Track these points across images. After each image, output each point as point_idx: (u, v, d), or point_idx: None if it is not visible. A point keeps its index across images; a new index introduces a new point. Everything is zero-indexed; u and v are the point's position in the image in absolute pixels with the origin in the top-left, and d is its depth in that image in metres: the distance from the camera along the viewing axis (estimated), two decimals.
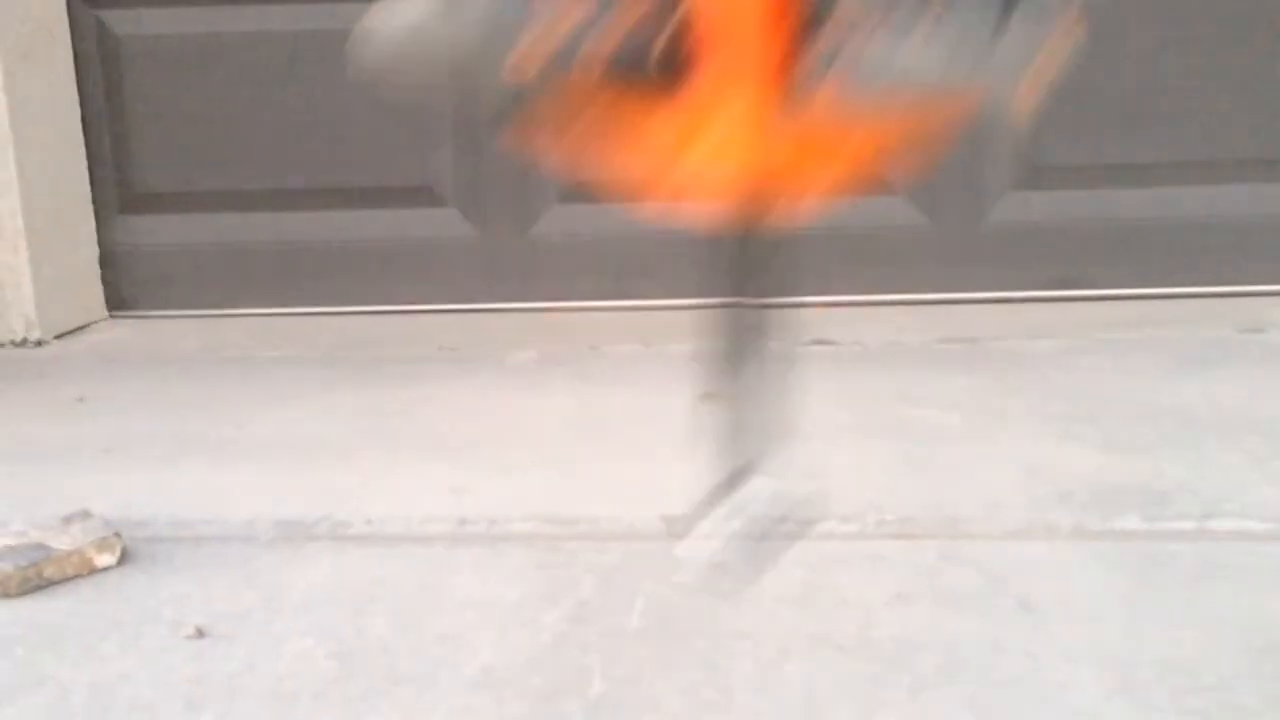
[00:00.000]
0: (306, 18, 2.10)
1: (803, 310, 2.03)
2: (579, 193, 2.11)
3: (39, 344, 2.01)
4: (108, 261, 2.17)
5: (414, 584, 1.08)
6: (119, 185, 2.16)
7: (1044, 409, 1.50)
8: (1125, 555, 1.06)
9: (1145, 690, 0.85)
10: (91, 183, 2.15)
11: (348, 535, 1.19)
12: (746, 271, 0.72)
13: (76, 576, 1.10)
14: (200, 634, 0.99)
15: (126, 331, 2.10)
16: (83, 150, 2.14)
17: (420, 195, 2.13)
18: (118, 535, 1.13)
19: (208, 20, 2.12)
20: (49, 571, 1.08)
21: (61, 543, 1.10)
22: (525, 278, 2.14)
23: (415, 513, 1.24)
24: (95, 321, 2.15)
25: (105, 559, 1.11)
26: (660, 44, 0.68)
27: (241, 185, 2.15)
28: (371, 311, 2.13)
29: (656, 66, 0.70)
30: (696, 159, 0.69)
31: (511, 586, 1.07)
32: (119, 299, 2.18)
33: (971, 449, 1.38)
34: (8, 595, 1.06)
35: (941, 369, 1.72)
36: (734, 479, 0.79)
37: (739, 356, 0.72)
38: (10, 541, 1.10)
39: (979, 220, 2.08)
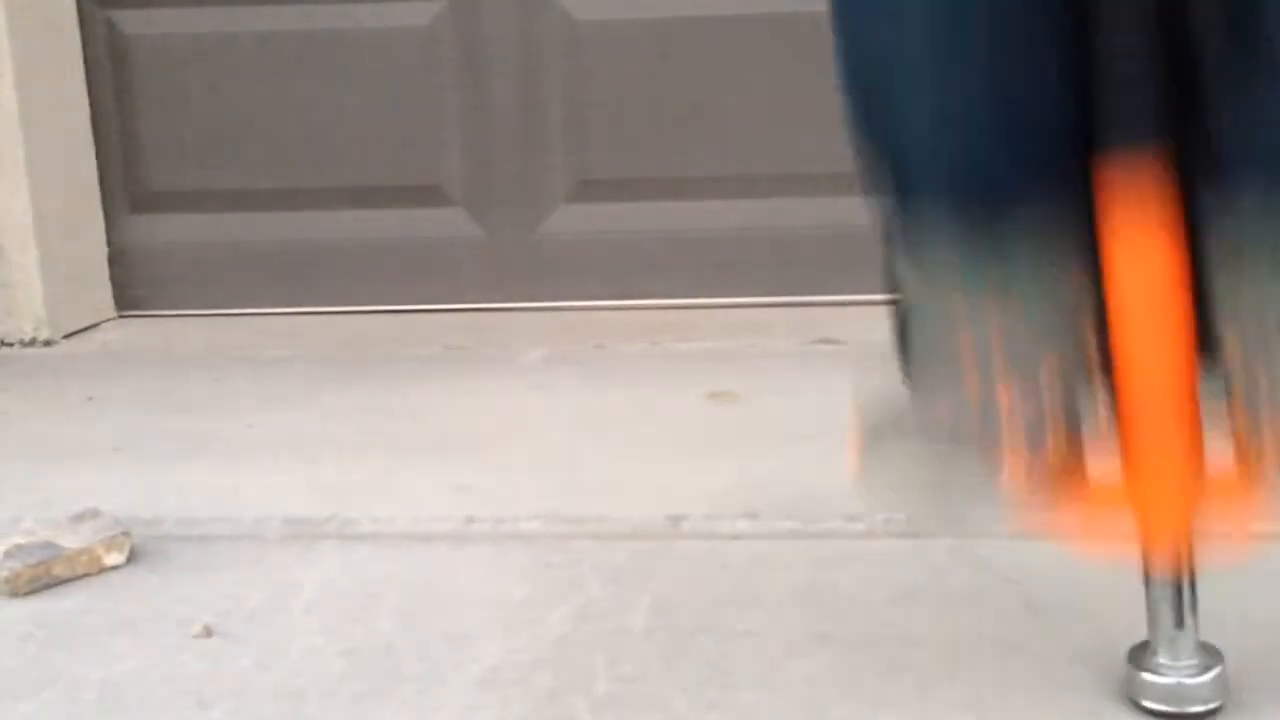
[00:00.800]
0: (317, 18, 2.11)
1: (810, 309, 2.03)
2: (587, 192, 2.12)
3: (48, 343, 2.02)
4: (117, 261, 2.18)
5: (421, 582, 1.09)
6: (128, 185, 2.17)
7: None
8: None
9: None
10: (101, 182, 2.16)
11: (355, 534, 1.20)
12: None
13: (86, 575, 1.10)
14: (209, 632, 0.99)
15: (136, 331, 2.11)
16: (92, 150, 2.15)
17: (428, 195, 2.14)
18: (127, 534, 1.14)
19: (218, 20, 2.13)
20: (58, 570, 1.09)
21: (71, 541, 1.11)
22: (533, 277, 2.14)
23: (422, 511, 1.24)
24: (104, 321, 2.16)
25: (114, 557, 1.12)
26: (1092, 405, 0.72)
27: (251, 185, 2.16)
28: (379, 311, 2.14)
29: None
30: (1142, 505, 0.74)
31: (517, 585, 1.08)
32: (128, 298, 2.19)
33: None
34: (17, 593, 1.07)
35: None
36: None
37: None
38: (20, 540, 1.11)
39: None
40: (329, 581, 1.09)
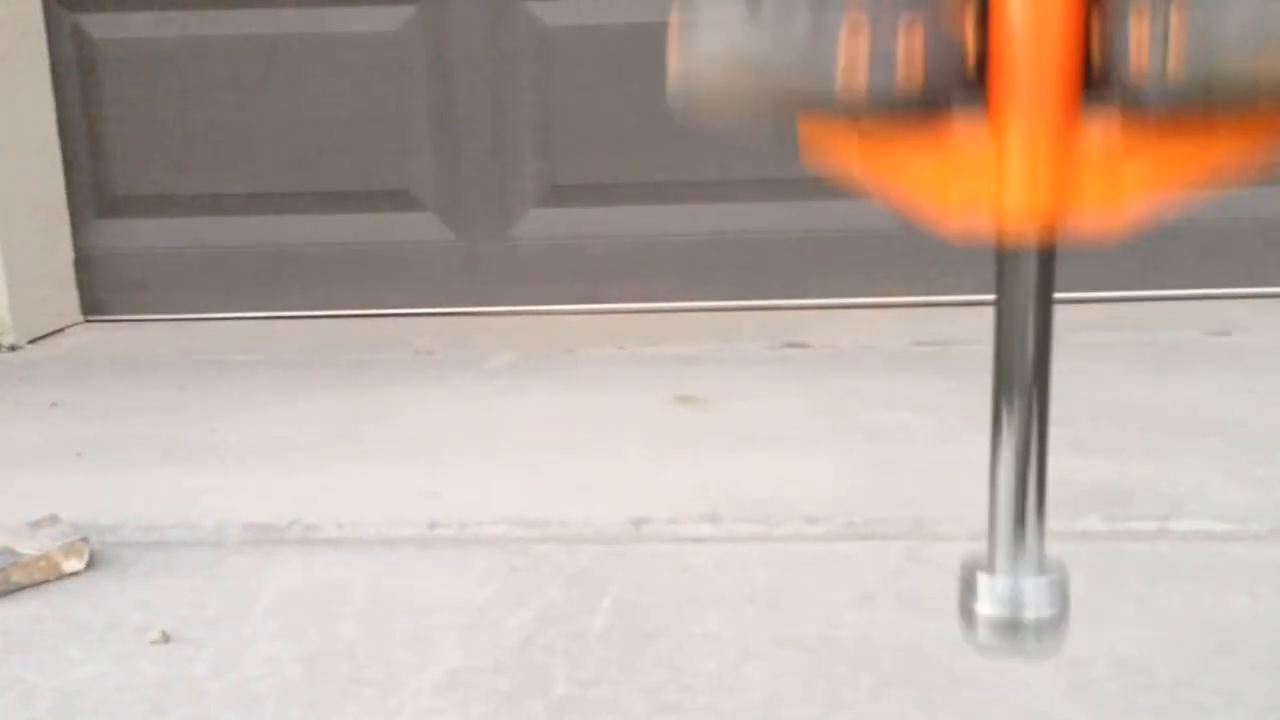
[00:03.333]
0: (284, 22, 2.10)
1: (777, 313, 2.04)
2: (556, 197, 2.12)
3: (13, 349, 2.01)
4: (83, 265, 2.17)
5: (383, 587, 1.09)
6: (95, 189, 2.16)
7: None
8: (1087, 555, 1.08)
9: (1100, 688, 0.86)
10: (67, 187, 2.15)
11: (318, 539, 1.20)
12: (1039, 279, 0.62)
13: (44, 581, 1.10)
14: (166, 638, 0.99)
15: (101, 336, 2.10)
16: (59, 154, 2.14)
17: (398, 199, 2.14)
18: (86, 540, 1.13)
19: (185, 24, 2.12)
20: (16, 576, 1.08)
21: (29, 548, 1.10)
22: (502, 281, 2.14)
23: (386, 516, 1.24)
24: (70, 326, 2.15)
25: (73, 564, 1.11)
26: (967, 57, 0.61)
27: (218, 189, 2.15)
28: (348, 315, 2.13)
29: (964, 84, 0.61)
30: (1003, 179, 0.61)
31: (480, 589, 1.08)
32: (94, 303, 2.18)
33: (941, 451, 1.39)
34: None
35: (914, 372, 1.73)
36: None
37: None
38: None
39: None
40: (289, 587, 1.09)
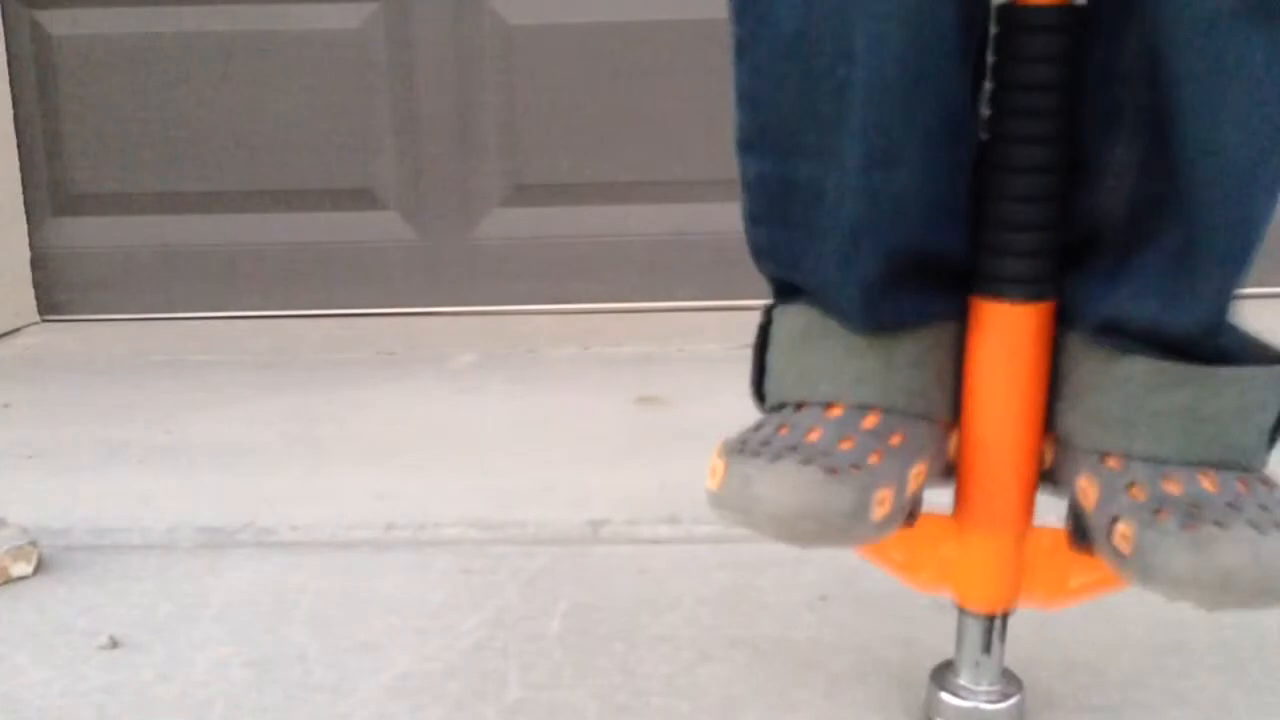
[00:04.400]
0: (244, 18, 2.08)
1: (741, 313, 2.04)
2: (520, 196, 2.11)
3: None
4: (40, 264, 2.14)
5: (337, 590, 1.08)
6: (52, 187, 2.14)
7: None
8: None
9: (1051, 688, 0.87)
10: (24, 184, 2.12)
11: (272, 542, 1.18)
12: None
13: None
14: (114, 644, 0.98)
15: (57, 336, 2.08)
16: (15, 152, 2.11)
17: (360, 198, 2.12)
18: (34, 544, 1.11)
19: (144, 21, 2.09)
20: None
21: None
22: (465, 281, 2.13)
23: (342, 518, 1.23)
24: (26, 325, 2.12)
25: (20, 568, 1.10)
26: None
27: (177, 187, 2.13)
28: (309, 315, 2.11)
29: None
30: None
31: (435, 592, 1.07)
32: (51, 302, 2.15)
33: None
34: None
35: None
36: None
37: None
38: None
39: None
40: (241, 591, 1.07)
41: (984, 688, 0.79)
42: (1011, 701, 0.79)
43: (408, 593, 1.07)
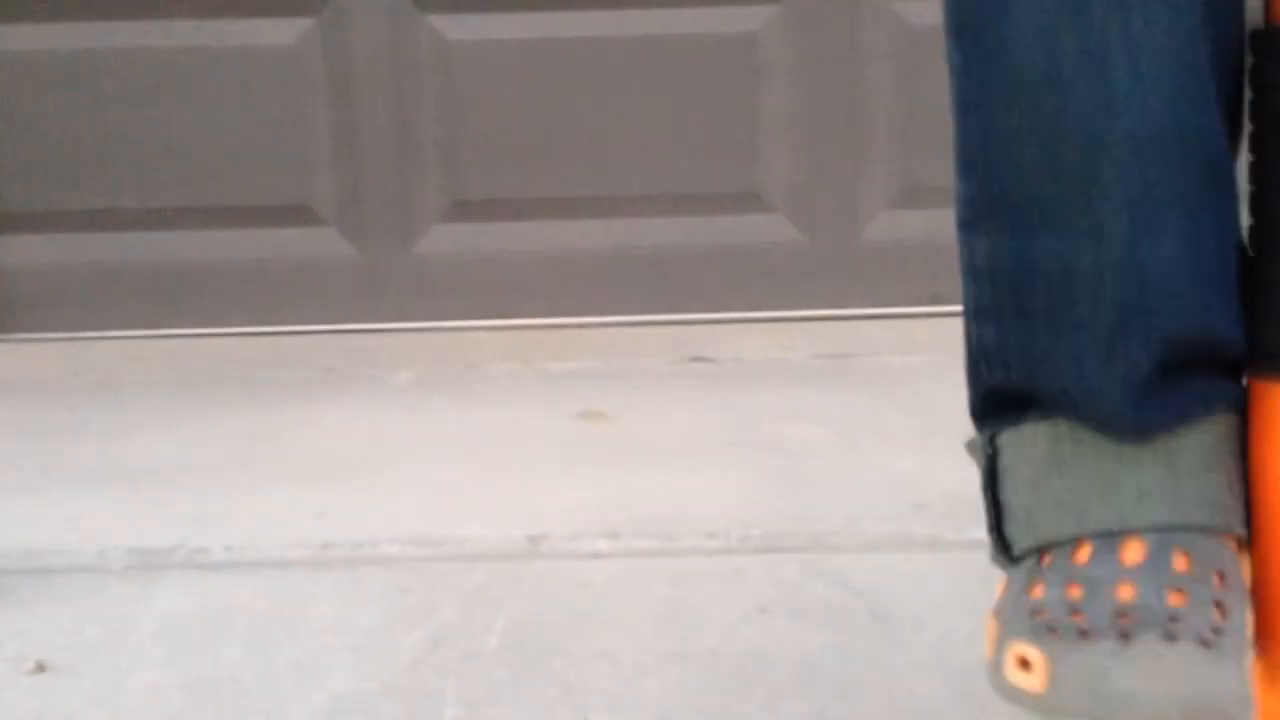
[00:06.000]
0: (179, 34, 2.06)
1: (683, 327, 2.04)
2: (460, 212, 2.10)
3: None
4: None
5: (271, 611, 1.06)
6: None
7: (913, 423, 1.53)
8: (977, 565, 1.09)
9: (986, 696, 0.87)
10: None
11: (205, 563, 1.16)
12: None
13: None
14: (41, 668, 0.95)
15: None
16: None
17: (298, 214, 2.10)
18: None
19: (78, 36, 2.06)
20: None
21: None
22: (406, 297, 2.12)
23: (278, 538, 1.22)
24: None
25: None
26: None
27: (112, 204, 2.10)
28: (246, 333, 2.09)
29: None
30: None
31: (371, 611, 1.06)
32: None
33: (840, 464, 1.40)
34: None
35: (817, 385, 1.74)
36: None
37: None
38: None
39: (854, 237, 2.12)
40: (173, 613, 1.06)
41: None
42: None
43: (344, 612, 1.06)
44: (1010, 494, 0.64)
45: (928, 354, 1.85)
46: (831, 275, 2.12)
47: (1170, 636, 0.52)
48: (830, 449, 1.46)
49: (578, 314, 2.10)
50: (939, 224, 2.14)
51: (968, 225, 0.63)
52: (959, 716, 0.85)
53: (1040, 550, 0.61)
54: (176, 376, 1.87)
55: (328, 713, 0.89)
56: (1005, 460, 0.64)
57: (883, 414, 1.60)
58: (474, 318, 2.10)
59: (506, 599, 1.07)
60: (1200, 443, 0.61)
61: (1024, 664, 0.54)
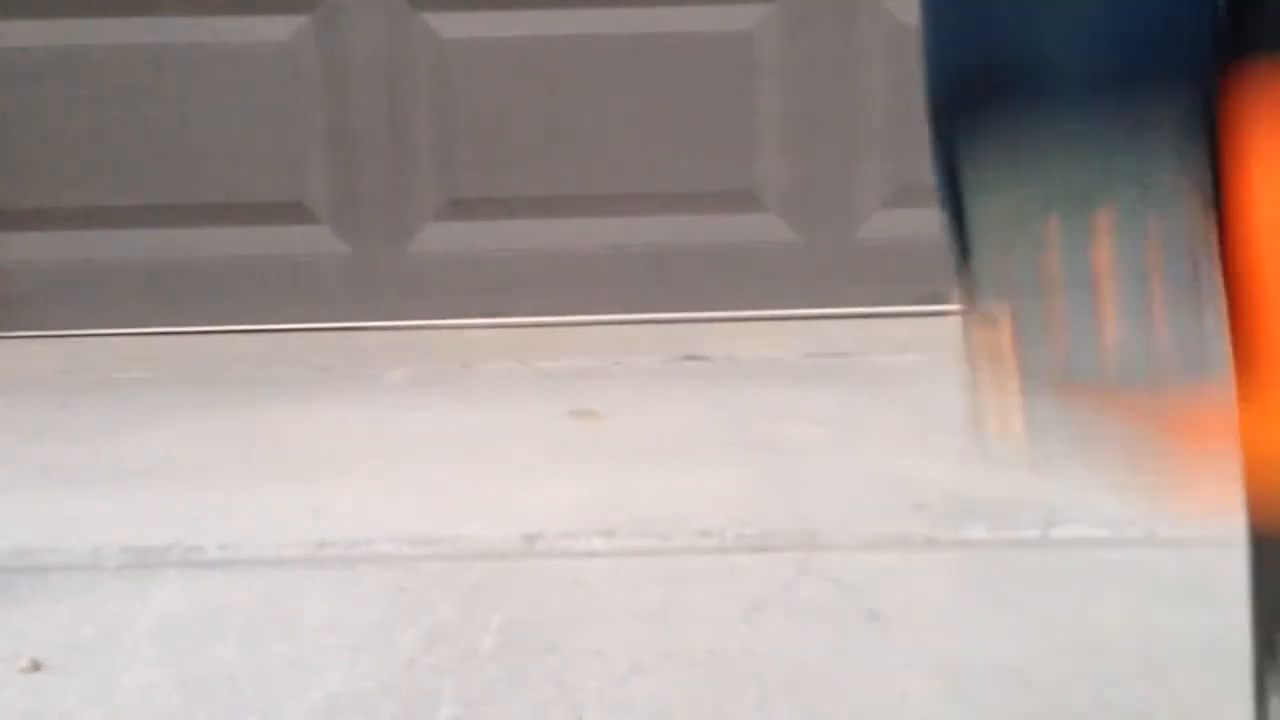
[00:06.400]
0: (173, 31, 2.05)
1: (677, 326, 2.05)
2: (454, 210, 2.10)
3: None
4: None
5: (267, 609, 1.06)
6: None
7: (907, 422, 1.54)
8: (972, 564, 1.09)
9: (977, 695, 0.88)
10: None
11: (200, 561, 1.16)
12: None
13: None
14: (37, 666, 0.96)
15: None
16: None
17: (292, 212, 2.10)
18: None
19: (70, 33, 2.06)
20: None
21: None
22: (400, 295, 2.11)
23: (273, 536, 1.22)
24: None
25: None
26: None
27: (106, 202, 2.09)
28: (242, 331, 2.09)
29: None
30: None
31: (367, 609, 1.06)
32: None
33: (835, 463, 1.40)
34: None
35: (811, 384, 1.74)
36: None
37: None
38: None
39: (849, 237, 2.13)
40: (168, 611, 1.06)
41: None
42: None
43: (339, 610, 1.06)
44: (974, 211, 0.59)
45: (922, 353, 1.85)
46: (826, 274, 2.12)
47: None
48: (824, 448, 1.46)
49: (572, 312, 2.10)
50: (934, 223, 2.15)
51: None
52: (952, 715, 0.85)
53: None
54: (171, 374, 1.86)
55: (324, 711, 0.89)
56: (973, 218, 0.60)
57: (877, 413, 1.60)
58: (468, 316, 2.10)
59: (502, 598, 1.07)
60: (1171, 109, 0.57)
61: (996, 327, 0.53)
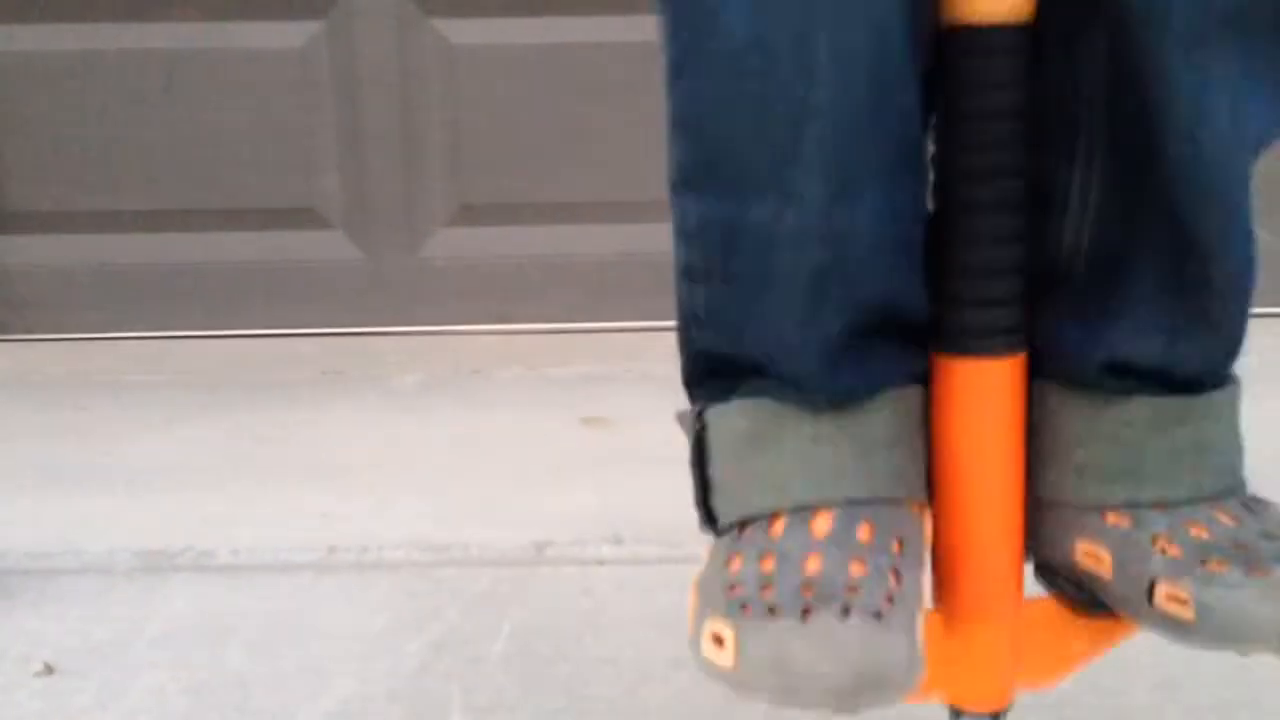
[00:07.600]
0: (186, 36, 2.06)
1: None
2: (466, 216, 2.11)
3: None
4: None
5: (277, 614, 1.07)
6: None
7: None
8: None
9: None
10: None
11: (212, 565, 1.17)
12: None
13: None
14: (49, 670, 0.96)
15: None
16: None
17: (304, 217, 2.11)
18: None
19: (84, 37, 2.07)
20: None
21: None
22: (411, 301, 2.12)
23: (284, 541, 1.22)
24: None
25: None
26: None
27: (118, 206, 2.10)
28: (252, 335, 2.09)
29: None
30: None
31: (377, 615, 1.06)
32: None
33: None
34: None
35: None
36: None
37: None
38: None
39: None
40: (179, 615, 1.06)
41: None
42: None
43: (350, 616, 1.06)
44: (716, 470, 0.66)
45: None
46: None
47: (846, 610, 0.53)
48: None
49: (582, 319, 2.11)
50: None
51: (679, 187, 0.64)
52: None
53: (741, 523, 0.63)
54: (180, 378, 1.87)
55: (334, 717, 0.89)
56: (712, 436, 0.66)
57: None
58: (478, 322, 2.10)
59: (511, 605, 1.08)
60: (890, 416, 0.63)
61: (718, 640, 0.56)
